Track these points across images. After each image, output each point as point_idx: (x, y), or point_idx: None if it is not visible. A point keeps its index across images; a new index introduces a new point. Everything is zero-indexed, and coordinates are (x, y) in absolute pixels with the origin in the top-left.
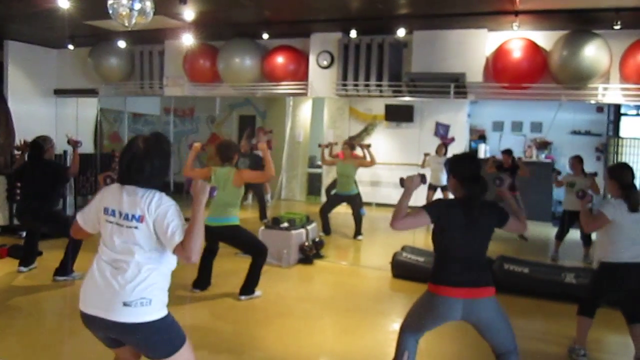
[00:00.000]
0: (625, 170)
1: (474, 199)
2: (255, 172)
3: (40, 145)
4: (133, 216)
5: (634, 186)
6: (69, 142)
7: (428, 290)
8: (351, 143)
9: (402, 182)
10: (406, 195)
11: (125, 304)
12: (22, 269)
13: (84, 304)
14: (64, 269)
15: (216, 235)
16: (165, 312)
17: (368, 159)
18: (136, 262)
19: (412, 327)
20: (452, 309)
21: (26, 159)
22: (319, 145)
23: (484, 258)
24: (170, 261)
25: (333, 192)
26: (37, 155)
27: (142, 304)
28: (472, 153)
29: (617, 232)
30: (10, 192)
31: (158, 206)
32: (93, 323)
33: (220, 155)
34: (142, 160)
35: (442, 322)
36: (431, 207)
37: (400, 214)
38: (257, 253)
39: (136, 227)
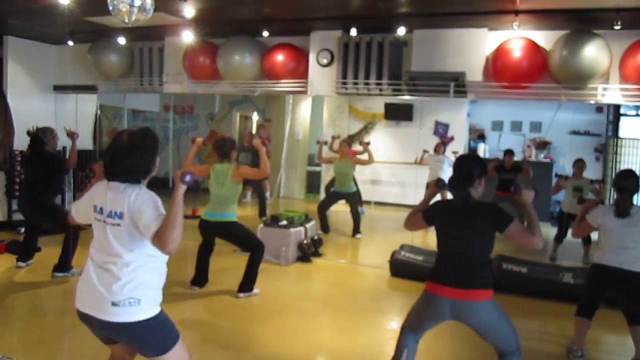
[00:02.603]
0: (622, 175)
1: (457, 200)
2: (253, 168)
3: (40, 138)
4: (115, 213)
5: (628, 191)
6: (68, 134)
7: (424, 288)
8: (349, 141)
9: (427, 186)
10: (424, 199)
11: (113, 304)
12: (21, 264)
13: (79, 302)
14: (63, 265)
15: (213, 231)
16: (156, 311)
17: (366, 157)
18: (123, 260)
19: (411, 325)
20: (440, 308)
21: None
22: (318, 142)
23: (480, 259)
24: (160, 256)
25: (332, 189)
26: (37, 148)
27: (130, 303)
28: (465, 155)
29: (605, 235)
30: (8, 188)
31: (136, 199)
32: (88, 320)
33: (217, 152)
34: (124, 155)
35: (435, 319)
36: (426, 211)
37: (410, 215)
38: (254, 249)
39: (119, 225)
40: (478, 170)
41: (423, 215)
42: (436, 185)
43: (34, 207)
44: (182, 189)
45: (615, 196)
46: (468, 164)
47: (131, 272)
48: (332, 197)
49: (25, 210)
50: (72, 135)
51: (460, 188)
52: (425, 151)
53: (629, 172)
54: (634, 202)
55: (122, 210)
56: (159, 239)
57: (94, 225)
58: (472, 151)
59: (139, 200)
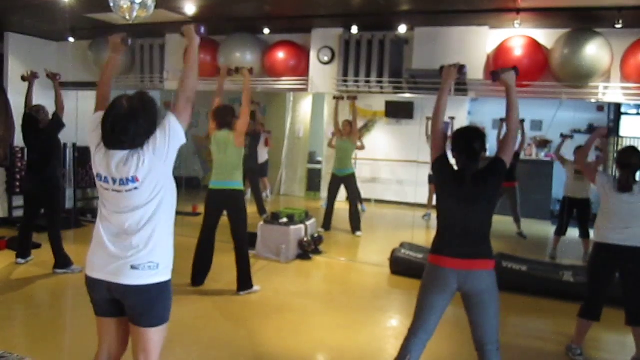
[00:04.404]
0: (627, 151)
1: (465, 171)
2: (241, 117)
3: (34, 118)
4: (128, 180)
5: (632, 167)
6: (47, 76)
7: (428, 262)
8: (351, 121)
9: (441, 70)
10: (443, 88)
11: (133, 267)
12: (20, 260)
13: (91, 269)
14: (63, 261)
15: (220, 200)
16: (169, 277)
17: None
18: (140, 226)
19: (419, 315)
20: (447, 279)
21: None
22: (334, 97)
23: (483, 230)
24: (172, 217)
25: (332, 173)
26: (33, 128)
27: (149, 267)
28: (470, 127)
29: (606, 211)
30: (9, 185)
31: (149, 147)
32: (98, 286)
33: (218, 120)
34: (126, 120)
35: (443, 293)
36: (443, 155)
37: (439, 114)
38: (243, 238)
39: (136, 188)
40: (483, 144)
41: (439, 154)
42: (458, 70)
43: (42, 181)
44: (197, 40)
45: (618, 172)
46: (474, 138)
47: (150, 236)
48: (333, 183)
49: (32, 187)
50: (53, 77)
51: (470, 163)
52: (429, 118)
53: (633, 149)
54: (637, 179)
55: (134, 174)
56: (180, 86)
57: (102, 193)
58: (476, 126)
59: (151, 144)
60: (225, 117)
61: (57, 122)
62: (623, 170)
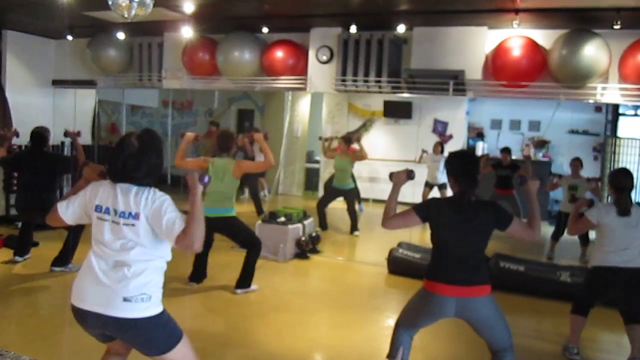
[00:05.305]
0: (620, 174)
1: (463, 196)
2: (255, 162)
3: (43, 136)
4: (130, 214)
5: (627, 190)
6: (66, 134)
7: (423, 287)
8: (347, 137)
9: (391, 176)
10: (394, 191)
11: (125, 299)
12: (17, 258)
13: (80, 300)
14: (63, 259)
15: (212, 226)
16: (162, 308)
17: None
18: (135, 258)
19: (407, 323)
20: (445, 306)
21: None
22: (320, 138)
23: (480, 256)
24: (166, 257)
25: (331, 185)
26: (38, 146)
27: (142, 299)
28: (466, 150)
29: (607, 235)
30: (6, 183)
31: (153, 201)
32: (88, 319)
33: (219, 145)
34: (138, 158)
35: (436, 318)
36: (419, 207)
37: (389, 212)
38: (252, 246)
39: (133, 225)
40: (477, 169)
41: (417, 212)
42: (407, 176)
43: (38, 209)
44: (200, 189)
45: (613, 196)
46: (468, 161)
47: (144, 270)
48: (331, 193)
49: (27, 211)
50: (72, 135)
51: (466, 188)
52: (424, 151)
53: (627, 171)
54: (633, 201)
55: (136, 211)
56: (186, 237)
57: (98, 224)
58: (470, 150)
59: (157, 203)
60: (226, 142)
61: (65, 163)
62: (618, 194)
